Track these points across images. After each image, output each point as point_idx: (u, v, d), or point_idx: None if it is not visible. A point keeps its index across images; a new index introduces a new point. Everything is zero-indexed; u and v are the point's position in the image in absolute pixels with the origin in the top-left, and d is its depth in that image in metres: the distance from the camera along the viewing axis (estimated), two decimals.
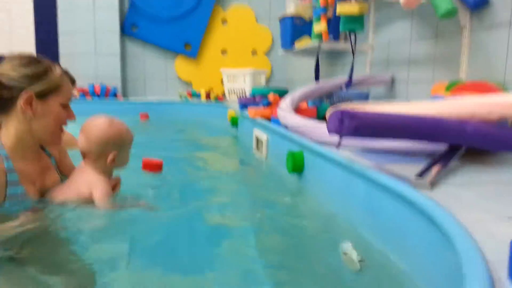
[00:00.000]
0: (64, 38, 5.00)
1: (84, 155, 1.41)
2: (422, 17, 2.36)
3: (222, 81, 4.99)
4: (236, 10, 5.28)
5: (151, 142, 2.74)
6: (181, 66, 5.27)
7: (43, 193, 1.35)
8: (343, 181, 1.31)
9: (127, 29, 5.05)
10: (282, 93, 2.76)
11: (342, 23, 2.30)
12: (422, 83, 2.39)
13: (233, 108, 3.57)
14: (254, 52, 5.40)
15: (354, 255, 1.05)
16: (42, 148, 1.40)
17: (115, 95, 4.78)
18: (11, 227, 1.17)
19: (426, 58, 2.35)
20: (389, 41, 2.73)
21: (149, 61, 5.20)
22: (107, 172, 1.42)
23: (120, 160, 1.42)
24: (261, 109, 2.57)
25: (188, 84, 5.34)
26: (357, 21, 2.29)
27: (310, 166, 1.60)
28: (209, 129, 3.81)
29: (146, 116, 4.34)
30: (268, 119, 2.48)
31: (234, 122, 3.25)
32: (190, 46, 5.20)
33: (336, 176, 1.36)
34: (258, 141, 2.47)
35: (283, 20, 3.56)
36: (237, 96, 4.57)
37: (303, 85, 2.52)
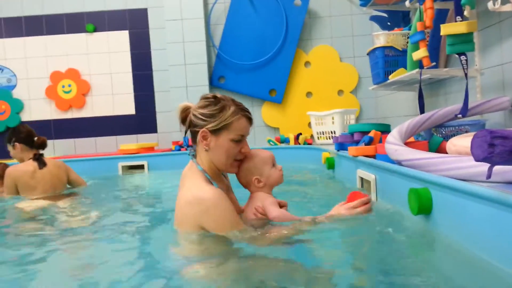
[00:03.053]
0: (160, 96, 5.36)
1: (245, 187, 1.70)
2: None
3: (309, 124, 4.89)
4: (318, 52, 5.26)
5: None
6: (268, 112, 5.30)
7: None
8: (493, 220, 1.07)
9: (215, 82, 5.25)
10: (384, 129, 2.56)
11: (449, 45, 2.09)
12: None
13: (326, 149, 3.41)
14: (340, 92, 5.27)
15: None
16: None
17: None
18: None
19: None
20: (502, 62, 2.42)
21: None
22: (266, 191, 1.65)
23: (268, 178, 1.64)
24: (363, 147, 2.38)
25: (275, 130, 5.32)
26: (466, 41, 2.06)
27: (441, 205, 1.36)
28: (303, 173, 3.66)
29: None
30: (372, 157, 2.27)
31: (331, 164, 3.07)
32: (275, 92, 5.23)
33: (482, 214, 1.12)
34: (363, 182, 2.26)
35: (372, 52, 3.40)
36: (327, 138, 4.42)
37: (398, 122, 2.29)
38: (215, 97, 1.57)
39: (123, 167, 4.42)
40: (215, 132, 1.52)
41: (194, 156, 1.62)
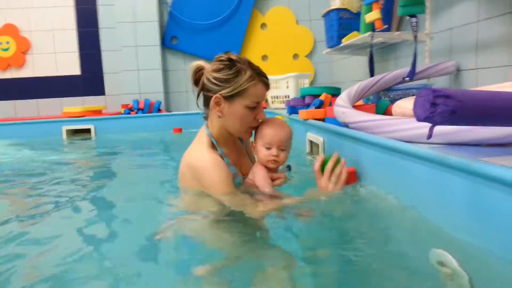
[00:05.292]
0: (107, 55, 5.07)
1: None
2: None
3: None
4: (275, 13, 5.13)
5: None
6: None
7: (243, 174, 1.59)
8: (432, 179, 1.07)
9: (167, 42, 5.02)
10: (334, 92, 2.54)
11: (401, 6, 2.06)
12: (495, 69, 2.08)
13: (279, 113, 3.38)
14: (295, 56, 5.21)
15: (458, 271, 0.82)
16: None
17: (158, 109, 4.74)
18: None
19: (499, 39, 2.05)
20: (450, 27, 2.43)
21: None
22: (263, 163, 1.54)
23: (257, 152, 1.55)
24: (313, 111, 2.35)
25: None
26: (417, 3, 2.04)
27: (382, 166, 1.36)
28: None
29: (179, 130, 4.39)
30: (321, 120, 2.26)
31: None
32: (230, 54, 5.08)
33: (421, 174, 1.12)
34: (312, 144, 2.25)
35: (327, 14, 3.34)
36: (281, 102, 4.39)
37: (350, 87, 2.29)
38: (230, 59, 1.44)
39: (67, 131, 4.20)
40: (229, 98, 1.43)
41: (206, 118, 1.57)
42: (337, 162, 1.46)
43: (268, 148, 1.53)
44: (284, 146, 1.55)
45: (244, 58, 1.48)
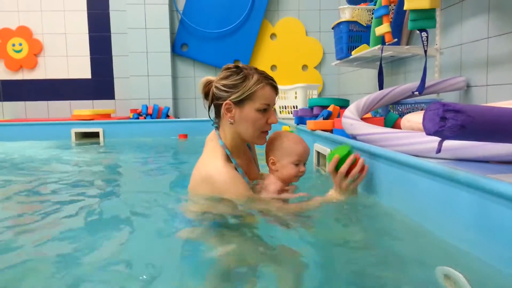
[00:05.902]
0: (118, 60, 5.12)
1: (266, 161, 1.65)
2: (502, 9, 2.07)
3: None
4: (285, 24, 5.16)
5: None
6: None
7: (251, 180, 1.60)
8: (440, 194, 1.07)
9: (177, 49, 5.07)
10: (343, 104, 2.55)
11: (411, 21, 2.07)
12: (505, 86, 2.08)
13: (286, 123, 3.39)
14: (304, 67, 5.23)
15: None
16: None
17: (167, 115, 4.77)
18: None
19: (510, 56, 2.05)
20: (460, 43, 2.44)
21: (199, 80, 5.16)
22: (278, 176, 1.59)
23: (282, 168, 1.57)
24: (321, 122, 2.36)
25: None
26: (428, 17, 2.05)
27: (390, 179, 1.36)
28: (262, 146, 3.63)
29: (184, 136, 4.46)
30: (329, 131, 2.27)
31: None
32: (239, 63, 5.12)
33: (429, 188, 1.12)
34: (319, 156, 2.25)
35: (337, 26, 3.36)
36: (288, 112, 4.40)
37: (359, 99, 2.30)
38: (237, 66, 1.50)
39: (76, 133, 4.23)
40: (239, 103, 1.47)
41: (217, 128, 1.59)
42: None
43: (297, 165, 1.58)
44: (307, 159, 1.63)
45: (250, 65, 1.53)
